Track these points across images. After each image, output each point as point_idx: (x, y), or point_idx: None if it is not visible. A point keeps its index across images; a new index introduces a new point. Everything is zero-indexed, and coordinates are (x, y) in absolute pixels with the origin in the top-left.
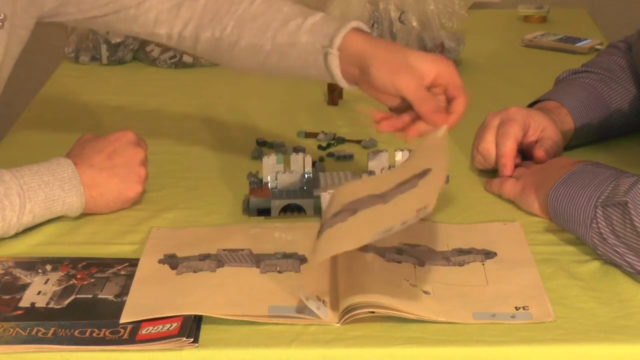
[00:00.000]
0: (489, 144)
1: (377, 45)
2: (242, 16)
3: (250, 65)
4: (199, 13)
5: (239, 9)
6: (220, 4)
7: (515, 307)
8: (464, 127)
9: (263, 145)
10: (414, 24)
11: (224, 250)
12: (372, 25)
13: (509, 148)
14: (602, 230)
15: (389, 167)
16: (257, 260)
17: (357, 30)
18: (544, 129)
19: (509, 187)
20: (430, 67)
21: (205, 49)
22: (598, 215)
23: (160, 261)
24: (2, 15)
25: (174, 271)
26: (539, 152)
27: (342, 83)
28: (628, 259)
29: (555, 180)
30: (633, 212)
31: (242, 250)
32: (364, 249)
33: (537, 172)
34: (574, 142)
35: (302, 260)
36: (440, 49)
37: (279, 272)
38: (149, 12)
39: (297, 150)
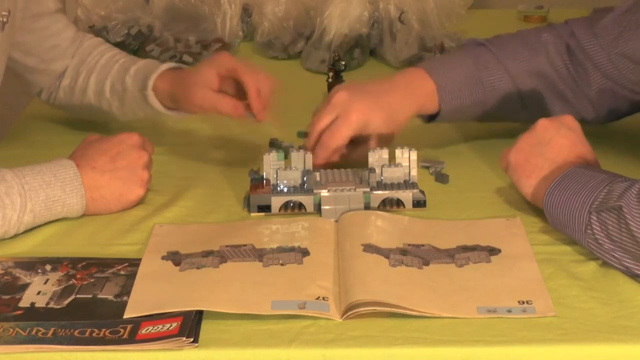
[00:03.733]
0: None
1: (176, 80)
2: (93, 67)
3: (98, 111)
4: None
5: (92, 60)
6: (84, 55)
7: (519, 302)
8: (464, 126)
9: (274, 146)
10: (414, 24)
11: (227, 246)
12: (372, 25)
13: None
14: (598, 236)
15: (389, 164)
16: (260, 254)
17: (168, 70)
18: (366, 125)
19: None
20: (209, 70)
21: (61, 96)
22: (592, 221)
23: (163, 258)
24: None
25: (177, 268)
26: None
27: (169, 114)
28: (626, 264)
29: (548, 184)
30: (628, 217)
31: (245, 245)
32: (368, 249)
33: (530, 148)
34: (442, 119)
35: (305, 252)
36: (440, 49)
37: (282, 264)
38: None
39: (300, 148)
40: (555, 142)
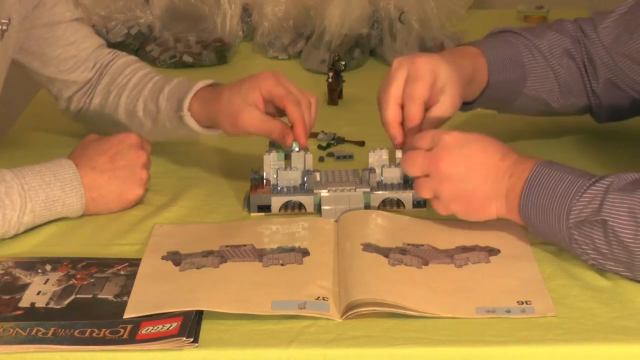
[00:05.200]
0: (390, 103)
1: (212, 101)
2: (124, 86)
3: (128, 130)
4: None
5: (123, 79)
6: (115, 74)
7: (518, 302)
8: (465, 126)
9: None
10: (414, 24)
11: (227, 246)
12: (372, 25)
13: (414, 114)
14: (586, 250)
15: (389, 164)
16: (260, 254)
17: (204, 89)
18: (444, 87)
19: (437, 205)
20: (254, 92)
21: (92, 114)
22: (574, 236)
23: (163, 258)
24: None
25: (177, 268)
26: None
27: (206, 133)
28: (623, 275)
29: (503, 191)
30: (618, 229)
31: (245, 245)
32: (368, 249)
33: (455, 185)
34: (482, 100)
35: (305, 253)
36: (440, 49)
37: (282, 265)
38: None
39: (301, 148)
40: (471, 161)
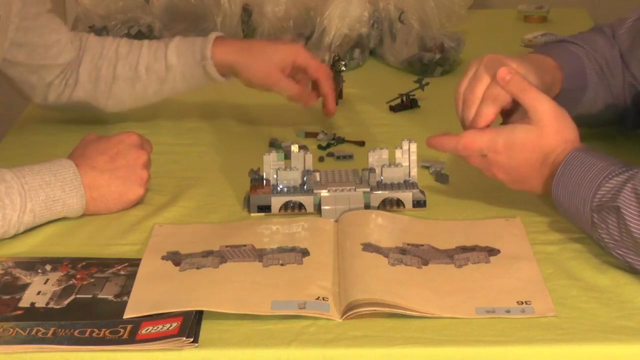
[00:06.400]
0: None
1: (243, 53)
2: (113, 57)
3: (127, 99)
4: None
5: (108, 51)
6: (96, 49)
7: (518, 302)
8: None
9: (274, 146)
10: (414, 24)
11: (227, 246)
12: (372, 25)
13: (488, 114)
14: (602, 234)
15: (389, 164)
16: (260, 254)
17: (219, 39)
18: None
19: (475, 160)
20: (286, 56)
21: (81, 94)
22: (595, 220)
23: (163, 258)
24: None
25: (177, 268)
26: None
27: (222, 80)
28: (629, 259)
29: (550, 179)
30: (627, 217)
31: (245, 245)
32: (367, 249)
33: (507, 159)
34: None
35: (305, 253)
36: (440, 49)
37: (282, 265)
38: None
39: (301, 148)
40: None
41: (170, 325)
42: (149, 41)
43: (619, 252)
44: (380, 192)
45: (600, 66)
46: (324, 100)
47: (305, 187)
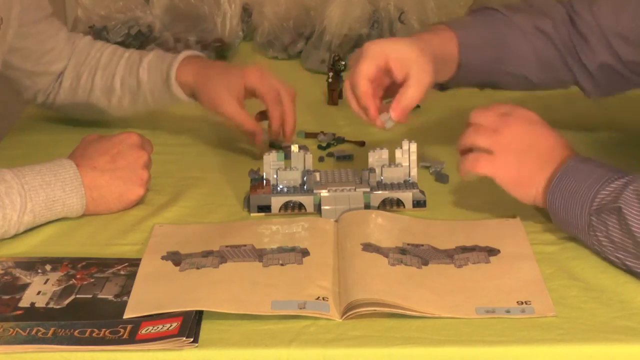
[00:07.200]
0: (347, 89)
1: (200, 75)
2: (95, 66)
3: (105, 109)
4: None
5: (91, 59)
6: (81, 55)
7: (518, 302)
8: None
9: (274, 146)
10: (414, 24)
11: (227, 246)
12: (372, 25)
13: (363, 87)
14: (600, 238)
15: (389, 164)
16: (260, 254)
17: (188, 58)
18: (407, 63)
19: (484, 165)
20: (238, 82)
21: (62, 98)
22: (593, 222)
23: (163, 258)
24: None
25: (177, 268)
26: (395, 112)
27: (187, 100)
28: (628, 263)
29: (544, 180)
30: (629, 217)
31: (245, 245)
32: (367, 249)
33: (513, 153)
34: (458, 79)
35: (305, 253)
36: None
37: (282, 265)
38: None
39: (301, 148)
40: (533, 138)
41: (170, 325)
42: (131, 51)
43: (618, 255)
44: (380, 192)
45: (523, 33)
46: (270, 125)
47: (305, 187)
